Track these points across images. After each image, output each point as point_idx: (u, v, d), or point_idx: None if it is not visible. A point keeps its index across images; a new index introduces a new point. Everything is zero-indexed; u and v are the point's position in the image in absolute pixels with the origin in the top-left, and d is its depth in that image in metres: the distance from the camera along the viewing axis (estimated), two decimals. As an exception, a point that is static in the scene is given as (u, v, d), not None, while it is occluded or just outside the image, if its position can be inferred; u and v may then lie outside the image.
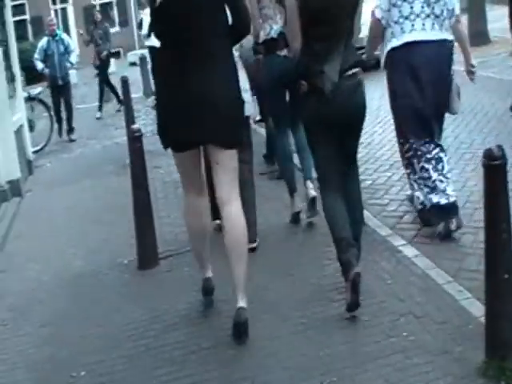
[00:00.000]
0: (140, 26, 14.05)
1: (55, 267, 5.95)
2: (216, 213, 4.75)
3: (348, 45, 4.30)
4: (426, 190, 5.30)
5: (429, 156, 5.29)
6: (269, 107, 6.42)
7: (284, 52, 5.52)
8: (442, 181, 5.26)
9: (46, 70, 12.52)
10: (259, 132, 8.56)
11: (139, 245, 5.62)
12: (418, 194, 5.40)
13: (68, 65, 12.70)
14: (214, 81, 4.11)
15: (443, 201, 5.23)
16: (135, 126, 5.81)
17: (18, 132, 9.55)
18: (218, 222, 5.23)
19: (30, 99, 11.79)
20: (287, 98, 5.90)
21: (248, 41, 5.49)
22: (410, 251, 5.08)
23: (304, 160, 5.90)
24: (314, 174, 5.10)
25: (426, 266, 4.79)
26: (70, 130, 12.55)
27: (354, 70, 4.30)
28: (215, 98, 4.09)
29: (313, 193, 5.70)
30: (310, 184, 5.81)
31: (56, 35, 12.63)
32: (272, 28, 5.76)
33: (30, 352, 4.53)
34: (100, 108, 14.66)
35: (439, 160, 5.30)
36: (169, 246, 5.86)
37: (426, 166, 5.29)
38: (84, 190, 8.53)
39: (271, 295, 4.68)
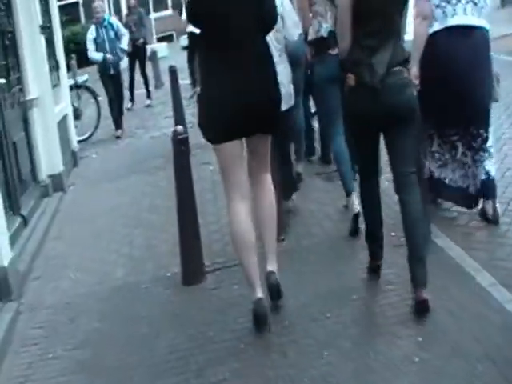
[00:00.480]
0: (181, 11, 13.44)
1: (93, 277, 5.55)
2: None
3: (397, 41, 4.25)
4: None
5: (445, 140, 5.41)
6: (321, 107, 6.08)
7: (336, 51, 5.14)
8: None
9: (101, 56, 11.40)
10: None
11: (183, 257, 5.16)
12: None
13: (120, 53, 11.78)
14: (259, 75, 4.23)
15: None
16: (179, 128, 5.21)
17: (62, 122, 9.15)
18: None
19: (76, 87, 11.41)
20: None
21: (290, 35, 5.60)
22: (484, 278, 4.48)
23: (344, 173, 5.69)
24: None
25: (503, 298, 4.20)
26: (118, 126, 11.59)
27: (400, 68, 4.20)
28: (261, 92, 4.21)
29: (356, 209, 5.41)
30: (354, 198, 5.48)
31: (104, 20, 11.69)
32: (321, 26, 5.55)
33: (60, 380, 4.11)
34: (131, 99, 13.93)
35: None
36: (217, 257, 5.41)
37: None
38: (129, 186, 8.10)
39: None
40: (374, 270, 4.63)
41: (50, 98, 8.24)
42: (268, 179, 4.51)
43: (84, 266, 5.83)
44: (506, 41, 12.64)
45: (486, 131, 5.30)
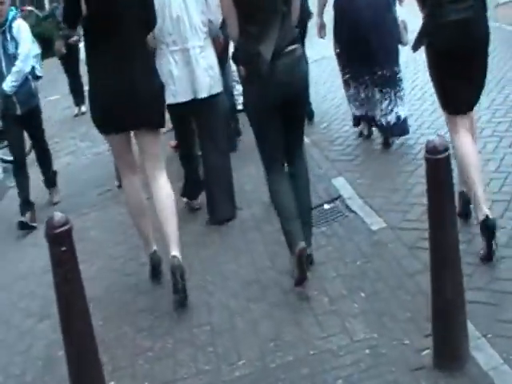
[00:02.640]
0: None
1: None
2: (187, 190, 6.06)
3: (283, 23, 4.28)
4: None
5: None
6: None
7: None
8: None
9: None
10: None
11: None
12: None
13: (31, 82, 7.03)
14: (139, 71, 4.59)
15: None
16: (58, 215, 3.06)
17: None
18: (185, 199, 6.15)
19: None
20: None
21: (216, 18, 5.54)
22: None
23: None
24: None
25: None
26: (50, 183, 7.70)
27: (293, 47, 4.31)
28: (140, 88, 4.57)
29: None
30: None
31: (3, 23, 6.80)
32: None
33: None
34: (77, 103, 12.05)
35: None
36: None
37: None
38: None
39: None
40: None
41: None
42: (163, 176, 4.82)
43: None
44: (507, 10, 10.95)
45: (390, 70, 6.51)
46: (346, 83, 6.86)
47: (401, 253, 4.50)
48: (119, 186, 6.49)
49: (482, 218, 4.18)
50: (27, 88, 6.90)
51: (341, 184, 5.92)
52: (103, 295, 4.89)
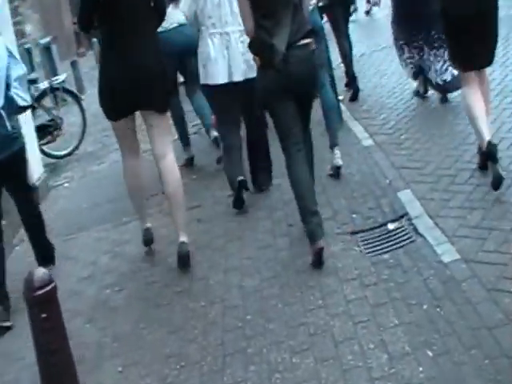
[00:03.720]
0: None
1: None
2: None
3: (296, 17, 4.53)
4: None
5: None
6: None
7: None
8: None
9: None
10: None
11: None
12: None
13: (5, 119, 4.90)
14: (143, 58, 4.84)
15: None
16: (39, 272, 2.67)
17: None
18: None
19: (52, 90, 9.10)
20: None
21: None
22: None
23: (330, 124, 6.03)
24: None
25: None
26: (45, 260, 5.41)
27: (306, 41, 4.59)
28: (144, 74, 4.83)
29: (339, 162, 5.85)
30: (336, 151, 5.88)
31: None
32: None
33: None
34: None
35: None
36: None
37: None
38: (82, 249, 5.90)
39: None
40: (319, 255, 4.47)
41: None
42: (170, 155, 5.01)
43: None
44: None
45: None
46: (401, 48, 7.61)
47: (477, 296, 3.72)
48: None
49: (485, 145, 4.91)
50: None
51: (408, 199, 5.15)
52: (129, 332, 4.27)
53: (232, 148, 5.83)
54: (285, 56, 4.43)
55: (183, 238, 4.88)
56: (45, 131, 8.99)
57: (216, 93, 5.71)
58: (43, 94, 8.88)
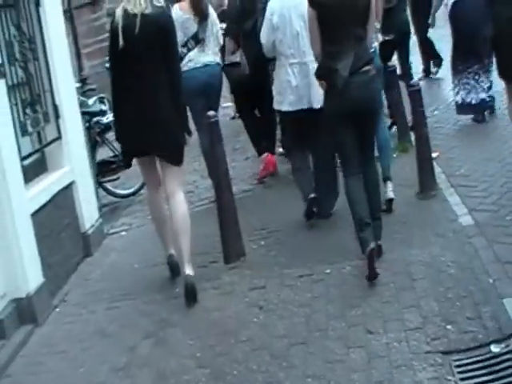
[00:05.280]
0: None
1: None
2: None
3: (359, 46, 4.96)
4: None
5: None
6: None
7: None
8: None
9: None
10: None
11: None
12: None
13: None
14: (157, 107, 5.13)
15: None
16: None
17: (63, 196, 6.25)
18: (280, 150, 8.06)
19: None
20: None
21: None
22: None
23: (384, 160, 6.27)
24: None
25: None
26: None
27: (367, 68, 4.99)
28: (157, 124, 5.15)
29: (391, 195, 6.07)
30: (389, 185, 6.12)
31: None
32: None
33: None
34: None
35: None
36: None
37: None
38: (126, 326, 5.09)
39: None
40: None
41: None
42: (179, 194, 5.32)
43: None
44: None
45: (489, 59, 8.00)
46: (457, 71, 8.56)
47: None
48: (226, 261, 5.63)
49: None
50: None
51: (518, 310, 4.15)
52: None
53: (301, 170, 6.31)
54: (347, 81, 4.81)
55: (189, 272, 5.10)
56: (107, 168, 8.36)
57: (292, 119, 6.19)
58: (107, 127, 8.20)
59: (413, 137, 7.20)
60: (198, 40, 7.24)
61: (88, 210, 6.76)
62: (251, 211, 6.86)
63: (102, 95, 9.02)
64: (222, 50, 7.83)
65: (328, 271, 5.15)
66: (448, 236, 5.35)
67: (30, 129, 5.75)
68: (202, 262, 5.85)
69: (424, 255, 5.08)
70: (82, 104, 8.65)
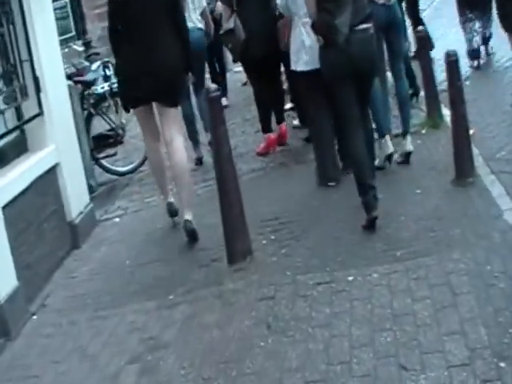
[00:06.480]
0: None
1: None
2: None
3: (356, 2, 4.86)
4: None
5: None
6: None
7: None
8: None
9: None
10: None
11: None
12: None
13: None
14: (159, 56, 5.31)
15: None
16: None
17: (45, 180, 5.49)
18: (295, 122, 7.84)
19: (112, 95, 7.46)
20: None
21: None
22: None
23: (405, 115, 6.36)
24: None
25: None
26: None
27: (365, 26, 4.93)
28: (158, 70, 5.31)
29: (410, 147, 6.15)
30: (408, 137, 6.19)
31: None
32: None
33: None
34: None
35: None
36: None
37: None
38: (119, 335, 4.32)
39: None
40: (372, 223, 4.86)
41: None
42: (177, 140, 5.44)
43: None
44: None
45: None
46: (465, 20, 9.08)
47: None
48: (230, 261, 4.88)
49: None
50: None
51: None
52: None
53: (322, 140, 6.15)
54: (347, 37, 4.76)
55: (188, 216, 5.27)
56: (104, 143, 7.56)
57: (306, 79, 5.96)
58: (102, 98, 7.36)
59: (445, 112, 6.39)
60: None
61: (76, 195, 5.99)
62: (261, 195, 6.11)
63: (106, 59, 8.29)
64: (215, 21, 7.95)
65: (350, 278, 4.32)
66: (493, 237, 4.49)
67: (1, 106, 4.94)
68: (202, 259, 5.15)
69: (466, 262, 4.23)
70: (84, 69, 7.91)
